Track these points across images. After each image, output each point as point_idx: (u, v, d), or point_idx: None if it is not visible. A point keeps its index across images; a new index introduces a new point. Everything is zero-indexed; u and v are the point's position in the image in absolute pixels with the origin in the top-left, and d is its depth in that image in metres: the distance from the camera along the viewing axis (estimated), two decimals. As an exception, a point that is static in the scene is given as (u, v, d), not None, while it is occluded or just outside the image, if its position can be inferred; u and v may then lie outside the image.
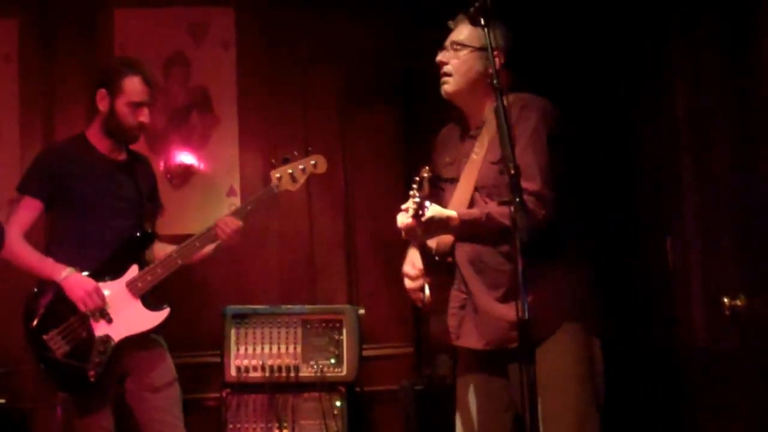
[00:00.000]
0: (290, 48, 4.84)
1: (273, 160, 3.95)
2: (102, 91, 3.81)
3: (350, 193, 4.80)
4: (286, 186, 3.91)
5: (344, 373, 4.17)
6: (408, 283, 3.14)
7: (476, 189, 3.03)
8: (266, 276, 4.72)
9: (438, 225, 2.88)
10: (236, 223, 3.81)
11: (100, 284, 3.68)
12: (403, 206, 2.86)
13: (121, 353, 3.68)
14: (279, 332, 4.20)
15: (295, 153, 3.94)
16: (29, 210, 3.75)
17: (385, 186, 4.75)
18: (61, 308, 3.63)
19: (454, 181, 3.07)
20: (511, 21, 3.09)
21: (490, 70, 2.96)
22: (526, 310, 2.40)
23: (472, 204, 3.03)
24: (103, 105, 3.81)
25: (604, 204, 3.88)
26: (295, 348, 4.18)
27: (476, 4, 2.66)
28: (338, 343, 4.20)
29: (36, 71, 4.69)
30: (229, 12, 4.85)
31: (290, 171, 3.90)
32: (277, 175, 3.90)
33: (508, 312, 2.86)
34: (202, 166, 4.77)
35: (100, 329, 3.65)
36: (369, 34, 4.76)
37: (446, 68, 3.11)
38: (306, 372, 4.16)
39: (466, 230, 2.94)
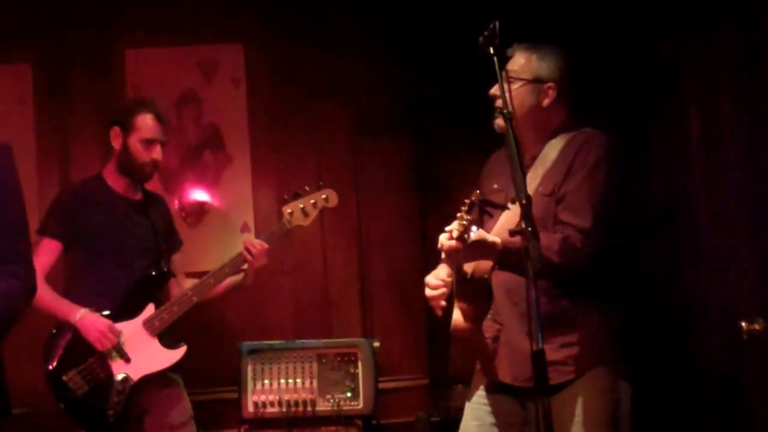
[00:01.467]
0: (300, 83, 4.88)
1: (285, 196, 4.03)
2: (115, 129, 3.92)
3: (363, 226, 4.84)
4: (298, 221, 3.99)
5: (360, 406, 4.20)
6: (428, 292, 3.06)
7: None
8: (281, 311, 4.77)
9: (481, 250, 2.81)
10: (262, 244, 3.88)
11: (117, 324, 3.77)
12: (448, 228, 2.78)
13: (140, 392, 3.76)
14: (295, 367, 4.24)
15: (307, 188, 4.02)
16: (49, 251, 3.85)
17: (398, 218, 4.81)
18: (80, 349, 3.72)
19: (504, 208, 2.99)
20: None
21: (545, 103, 3.04)
22: (540, 341, 2.40)
23: None
24: (116, 143, 3.92)
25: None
26: (311, 382, 4.22)
27: (485, 33, 2.66)
28: (354, 377, 4.23)
29: (51, 114, 4.78)
30: (238, 49, 4.91)
31: (301, 206, 3.98)
32: (289, 211, 3.98)
33: (536, 346, 2.87)
34: (215, 204, 4.83)
35: (119, 369, 3.74)
36: (378, 65, 4.79)
37: (498, 102, 2.95)
38: (323, 406, 4.20)
39: (507, 259, 2.83)
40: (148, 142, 3.91)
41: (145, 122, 3.91)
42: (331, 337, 4.54)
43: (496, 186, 3.15)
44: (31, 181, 4.58)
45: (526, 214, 2.50)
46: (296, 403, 4.18)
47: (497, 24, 2.64)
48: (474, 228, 2.73)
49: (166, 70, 4.87)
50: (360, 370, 4.23)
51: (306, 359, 4.25)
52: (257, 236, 4.26)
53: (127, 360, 3.75)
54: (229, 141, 4.87)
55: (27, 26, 4.75)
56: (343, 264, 4.83)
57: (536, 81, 3.03)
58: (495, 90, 3.04)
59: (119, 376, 3.71)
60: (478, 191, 2.87)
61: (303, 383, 4.23)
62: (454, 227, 2.73)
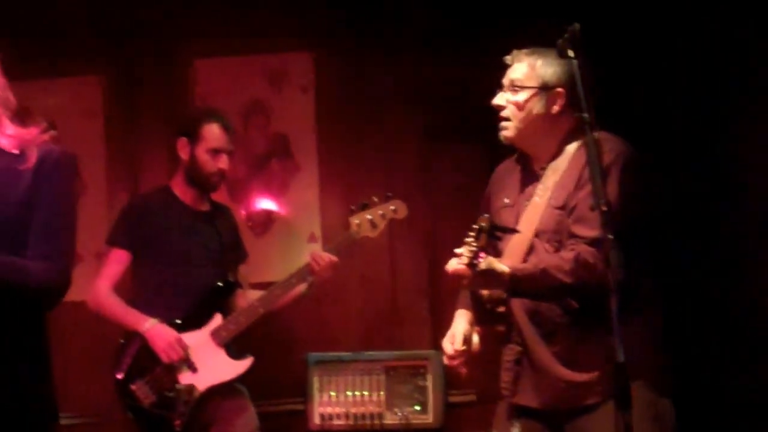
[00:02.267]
0: (369, 91, 4.86)
1: (352, 207, 4.00)
2: (183, 140, 3.95)
3: (433, 236, 4.77)
4: (366, 232, 3.95)
5: (430, 420, 4.16)
6: (445, 360, 3.02)
7: (536, 234, 2.87)
8: (348, 322, 4.75)
9: (490, 279, 2.72)
10: (330, 257, 3.87)
11: (185, 334, 3.79)
12: (457, 250, 2.71)
13: (206, 402, 3.77)
14: (362, 379, 4.21)
15: (375, 198, 3.98)
16: (118, 262, 3.90)
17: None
18: (148, 358, 3.75)
19: (514, 231, 2.87)
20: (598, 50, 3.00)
21: (554, 109, 2.93)
22: (621, 351, 2.32)
23: (530, 250, 2.87)
24: (184, 153, 3.95)
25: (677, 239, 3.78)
26: (379, 395, 4.19)
27: (565, 36, 2.55)
28: (423, 390, 4.19)
29: (120, 125, 4.83)
30: (307, 57, 4.90)
31: (369, 217, 3.94)
32: (357, 222, 3.95)
33: (567, 372, 2.80)
34: (282, 213, 4.83)
35: (186, 379, 3.75)
36: (447, 71, 4.76)
37: (504, 113, 2.94)
38: (391, 419, 4.16)
39: (518, 287, 2.76)
40: (215, 152, 3.93)
41: (212, 132, 3.93)
42: (400, 349, 4.48)
43: (506, 200, 3.03)
44: (100, 192, 4.71)
45: (605, 222, 2.41)
46: (363, 416, 4.16)
47: (577, 26, 2.55)
48: (482, 256, 2.64)
49: (234, 80, 4.89)
50: (429, 383, 4.19)
51: (374, 371, 4.22)
52: (324, 246, 4.28)
53: (194, 370, 3.77)
54: (296, 150, 4.87)
55: (97, 39, 4.81)
56: (412, 274, 4.79)
57: (544, 88, 2.90)
58: (498, 100, 2.97)
59: (186, 386, 3.71)
60: (486, 216, 2.73)
61: (370, 396, 4.20)
62: (463, 252, 2.66)
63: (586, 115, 2.51)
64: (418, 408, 4.17)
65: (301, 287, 3.98)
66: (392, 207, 3.97)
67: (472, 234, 2.64)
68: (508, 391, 2.96)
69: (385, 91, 4.86)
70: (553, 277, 2.72)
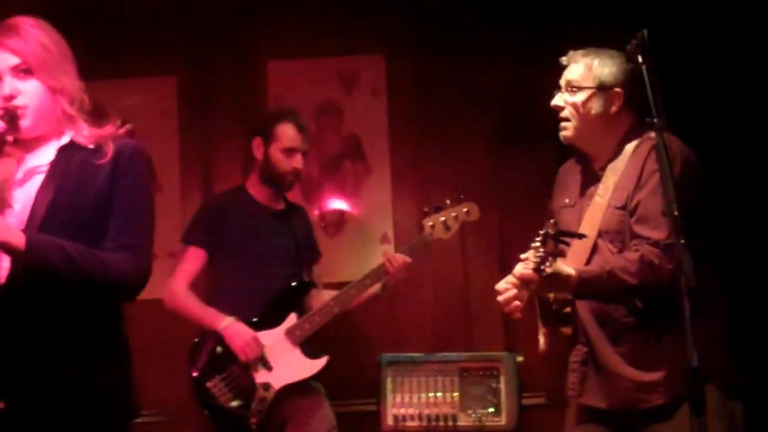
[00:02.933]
0: (441, 93, 4.87)
1: (426, 209, 4.00)
2: (257, 140, 3.97)
3: (505, 238, 4.74)
4: (439, 234, 3.95)
5: (503, 422, 4.12)
6: (498, 298, 2.92)
7: (600, 235, 2.86)
8: (421, 323, 4.73)
9: (556, 282, 2.70)
10: (405, 258, 3.86)
11: (260, 332, 3.79)
12: (523, 255, 2.71)
13: (282, 401, 3.78)
14: (435, 380, 4.19)
15: (447, 201, 3.98)
16: (194, 260, 3.92)
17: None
18: (224, 356, 3.76)
19: (580, 236, 2.81)
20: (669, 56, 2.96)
21: (612, 110, 2.91)
22: (695, 357, 2.27)
23: (594, 251, 2.86)
24: (258, 153, 3.97)
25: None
26: (452, 396, 4.17)
27: (634, 41, 2.53)
28: (496, 392, 4.16)
29: (194, 125, 4.88)
30: (379, 60, 4.92)
31: (443, 219, 3.95)
32: (430, 224, 3.95)
33: (634, 372, 2.77)
34: (355, 214, 4.84)
35: (261, 377, 3.76)
36: (518, 74, 4.72)
37: (563, 114, 2.95)
38: (464, 421, 4.13)
39: (585, 290, 2.74)
40: (289, 151, 3.94)
41: (286, 132, 3.95)
42: (473, 351, 4.46)
43: (567, 201, 3.04)
44: (174, 192, 4.75)
45: (676, 227, 2.38)
46: (437, 418, 4.14)
47: (646, 32, 2.53)
48: (549, 260, 2.62)
49: (307, 82, 4.91)
50: (502, 385, 4.16)
51: (447, 372, 4.19)
52: (397, 248, 4.29)
53: (270, 368, 3.77)
54: (369, 151, 4.88)
55: (172, 39, 4.87)
56: (485, 276, 4.71)
57: (601, 88, 2.89)
58: (556, 101, 2.96)
59: (262, 384, 3.73)
60: (552, 221, 2.72)
61: (444, 397, 4.17)
62: (530, 257, 2.65)
63: (655, 120, 2.49)
64: (491, 410, 4.13)
65: (375, 288, 3.97)
66: (465, 209, 3.97)
67: (538, 239, 2.63)
68: (574, 391, 2.95)
69: (456, 93, 4.85)
70: (619, 278, 2.70)
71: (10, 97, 2.34)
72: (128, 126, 2.51)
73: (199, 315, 3.83)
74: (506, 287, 2.90)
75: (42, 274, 2.24)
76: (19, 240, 2.19)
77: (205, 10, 4.86)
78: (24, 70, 2.36)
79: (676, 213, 2.38)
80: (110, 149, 2.42)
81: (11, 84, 2.35)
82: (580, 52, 2.96)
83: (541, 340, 2.96)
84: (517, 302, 2.87)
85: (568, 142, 2.99)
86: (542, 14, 4.69)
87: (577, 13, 4.55)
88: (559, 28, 4.54)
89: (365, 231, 4.80)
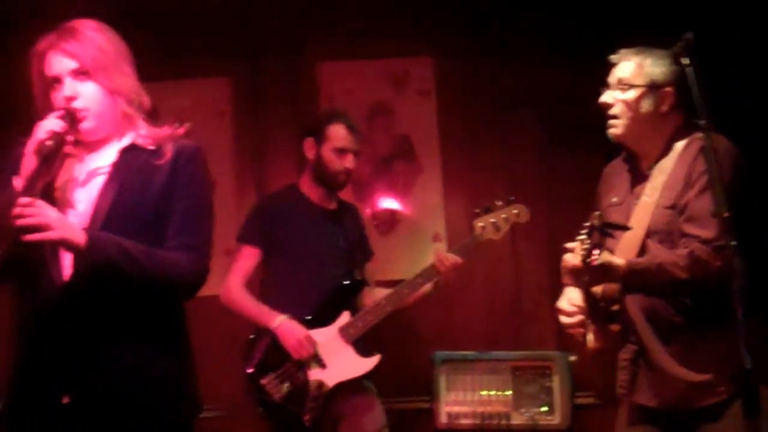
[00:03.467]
0: (490, 94, 4.85)
1: (476, 210, 3.98)
2: (309, 140, 3.98)
3: (556, 237, 4.68)
4: (490, 235, 3.93)
5: (557, 421, 4.08)
6: (563, 320, 2.96)
7: (648, 234, 2.83)
8: (473, 321, 4.72)
9: (605, 274, 2.68)
10: (455, 258, 3.84)
11: (313, 330, 3.80)
12: (569, 245, 2.70)
13: (335, 398, 3.78)
14: (489, 378, 4.16)
15: (497, 202, 3.96)
16: (248, 258, 3.94)
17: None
18: (278, 353, 3.77)
19: (625, 228, 2.82)
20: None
21: (663, 109, 2.88)
22: (749, 359, 2.26)
23: (642, 251, 2.82)
24: (310, 153, 3.98)
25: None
26: (505, 395, 4.13)
27: (680, 44, 2.52)
28: (549, 391, 4.12)
29: (248, 125, 4.91)
30: (427, 61, 4.93)
31: (493, 220, 3.93)
32: (481, 225, 3.93)
33: (684, 371, 2.73)
34: (407, 213, 4.84)
35: (315, 374, 3.76)
36: (568, 74, 4.68)
37: (612, 111, 2.92)
38: (517, 420, 4.10)
39: (633, 281, 2.72)
40: (341, 152, 3.95)
41: (337, 132, 3.96)
42: (525, 349, 4.41)
43: (615, 200, 3.01)
44: (228, 191, 4.76)
45: (727, 228, 2.36)
46: (490, 416, 4.10)
47: (692, 35, 2.51)
48: (597, 251, 2.59)
49: (358, 83, 4.93)
50: (556, 384, 4.11)
51: (500, 371, 4.16)
52: (449, 246, 4.30)
53: (323, 366, 3.77)
54: (420, 151, 4.89)
55: (226, 41, 4.91)
56: (537, 275, 4.72)
57: (652, 86, 2.86)
58: (605, 98, 2.93)
59: (315, 382, 3.74)
60: (598, 213, 2.69)
61: (497, 395, 4.14)
62: (576, 247, 2.63)
63: (703, 121, 2.48)
64: (545, 409, 4.09)
65: (427, 286, 3.96)
66: (515, 210, 3.95)
67: (583, 231, 2.62)
68: (625, 389, 2.91)
69: (505, 93, 4.84)
70: (669, 272, 2.68)
71: (70, 99, 2.37)
72: (186, 126, 2.54)
73: (253, 313, 3.84)
74: (571, 310, 2.92)
75: (103, 272, 2.27)
76: (80, 238, 2.23)
77: (258, 12, 4.89)
78: (82, 73, 2.39)
79: (726, 214, 2.36)
80: (169, 150, 2.45)
81: (71, 86, 2.38)
82: (631, 50, 2.94)
83: (590, 337, 2.91)
84: (581, 329, 2.90)
85: (616, 140, 2.97)
86: (593, 15, 4.65)
87: (628, 14, 4.51)
88: (609, 30, 4.50)
89: (417, 230, 4.80)
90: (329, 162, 3.95)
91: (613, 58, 2.96)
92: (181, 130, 2.51)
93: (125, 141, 2.47)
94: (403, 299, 3.92)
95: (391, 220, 4.83)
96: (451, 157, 4.87)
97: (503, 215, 3.93)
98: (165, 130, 2.48)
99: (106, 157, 2.45)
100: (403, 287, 3.91)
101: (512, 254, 4.75)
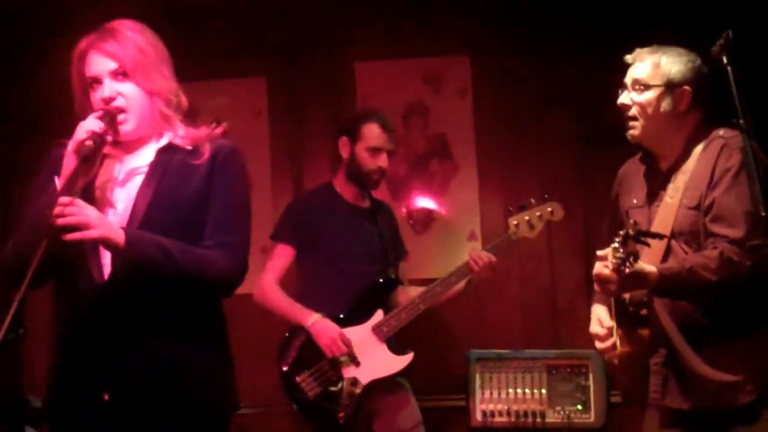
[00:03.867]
0: (526, 93, 4.83)
1: (510, 208, 3.96)
2: (343, 139, 3.98)
3: (591, 237, 4.66)
4: (524, 233, 3.91)
5: (592, 419, 4.06)
6: (598, 345, 2.95)
7: (673, 236, 2.80)
8: (508, 319, 4.69)
9: (637, 281, 2.64)
10: (489, 256, 3.84)
11: (347, 328, 3.80)
12: (600, 252, 2.64)
13: (369, 396, 3.78)
14: (524, 377, 4.16)
15: (532, 200, 3.94)
16: (282, 257, 3.95)
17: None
18: (312, 351, 3.78)
19: (661, 237, 2.76)
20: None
21: (681, 108, 2.83)
22: None
23: (668, 253, 2.79)
24: (344, 152, 3.98)
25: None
26: (540, 393, 4.12)
27: (719, 42, 2.47)
28: (585, 389, 4.10)
29: (284, 125, 4.92)
30: (464, 60, 4.90)
31: (527, 218, 3.90)
32: (515, 223, 3.91)
33: (715, 372, 2.70)
34: (442, 212, 4.82)
35: (349, 372, 3.77)
36: (604, 73, 4.60)
37: (630, 112, 2.88)
38: (552, 418, 4.09)
39: (665, 287, 2.68)
40: (375, 151, 3.95)
41: (371, 131, 3.95)
42: (560, 348, 4.40)
43: (635, 201, 2.97)
44: (265, 190, 4.79)
45: (760, 228, 2.38)
46: (525, 414, 4.10)
47: (730, 33, 2.47)
48: (629, 261, 2.55)
49: (394, 82, 4.92)
50: (591, 383, 4.10)
51: (535, 369, 4.15)
52: (484, 245, 4.25)
53: (357, 364, 3.78)
54: (455, 150, 4.87)
55: (262, 41, 4.93)
56: (572, 274, 4.68)
57: (669, 86, 2.81)
58: (622, 99, 2.89)
59: (349, 379, 3.75)
60: (632, 221, 2.67)
61: (532, 394, 4.13)
62: (608, 253, 2.58)
63: (741, 121, 2.45)
64: (580, 407, 4.07)
65: (461, 284, 3.94)
66: (549, 208, 3.92)
67: (618, 240, 2.57)
68: (657, 394, 2.86)
69: (541, 93, 4.82)
70: (699, 275, 2.64)
71: (110, 99, 2.38)
72: (223, 126, 2.55)
73: (287, 311, 3.86)
74: (604, 333, 2.90)
75: (142, 270, 2.28)
76: (119, 236, 2.24)
77: (294, 12, 4.91)
78: (121, 74, 2.40)
79: (763, 214, 2.35)
80: (207, 150, 2.46)
81: (110, 87, 2.39)
82: (646, 49, 2.89)
83: (617, 342, 2.89)
84: (617, 345, 2.87)
85: (635, 141, 2.93)
86: (630, 14, 4.60)
87: (665, 13, 4.48)
88: (646, 29, 4.46)
89: (453, 229, 4.78)
90: (363, 161, 3.95)
91: (627, 58, 2.93)
92: (218, 130, 2.52)
93: (163, 141, 2.48)
94: (437, 297, 3.90)
95: (426, 219, 4.81)
96: (486, 156, 4.84)
97: (538, 213, 3.91)
98: (202, 131, 2.49)
99: (145, 156, 2.47)
100: (437, 285, 3.89)
101: (547, 253, 4.71)
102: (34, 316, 3.02)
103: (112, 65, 2.40)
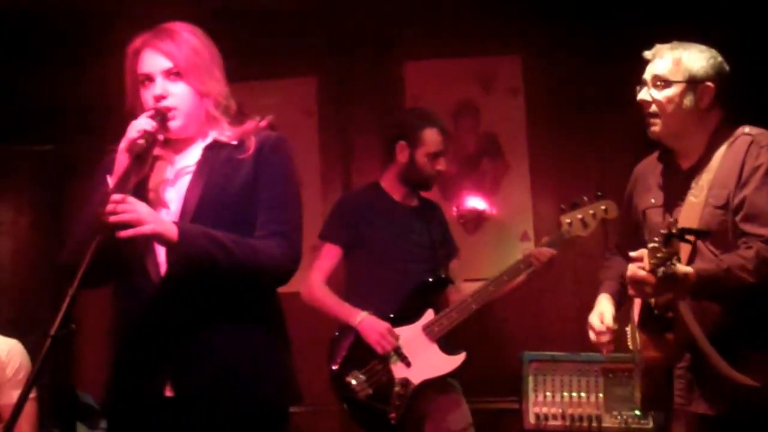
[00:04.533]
0: (578, 92, 4.79)
1: (563, 206, 3.87)
2: (401, 143, 3.90)
3: (644, 237, 4.60)
4: (577, 232, 3.82)
5: (650, 425, 3.89)
6: (591, 336, 2.93)
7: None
8: (562, 321, 4.61)
9: (674, 284, 2.48)
10: (549, 251, 3.80)
11: (397, 328, 3.73)
12: (634, 254, 2.52)
13: (420, 396, 3.70)
14: (579, 380, 4.02)
15: (585, 198, 3.85)
16: (330, 256, 3.89)
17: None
18: (363, 351, 3.71)
19: (704, 234, 2.65)
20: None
21: (703, 104, 2.72)
22: None
23: (694, 254, 2.68)
24: (402, 156, 3.91)
25: None
26: (596, 397, 3.99)
27: None
28: (642, 394, 3.99)
29: (334, 124, 4.93)
30: (516, 60, 4.87)
31: (580, 216, 3.81)
32: (568, 221, 3.82)
33: (743, 376, 2.57)
34: (494, 212, 4.78)
35: (400, 372, 3.69)
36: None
37: (651, 109, 2.78)
38: (609, 422, 3.95)
39: (702, 289, 2.54)
40: (434, 156, 3.88)
41: (432, 137, 3.88)
42: (615, 351, 4.29)
43: (653, 201, 2.88)
44: (315, 188, 4.80)
45: None
46: (581, 418, 3.97)
47: None
48: (671, 261, 2.41)
49: (444, 81, 4.89)
50: (648, 387, 3.98)
51: (591, 373, 4.01)
52: (537, 245, 4.18)
53: (408, 364, 3.70)
54: (507, 149, 4.83)
55: (313, 41, 4.93)
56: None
57: (691, 82, 2.70)
58: (642, 96, 2.79)
59: (400, 380, 3.67)
60: (674, 219, 2.51)
61: (588, 397, 4.00)
62: (645, 257, 2.45)
63: None
64: (637, 413, 3.90)
65: (514, 283, 3.86)
66: (603, 206, 3.81)
67: (657, 239, 2.43)
68: (682, 399, 2.74)
69: (594, 93, 4.76)
70: (737, 276, 2.53)
71: (161, 98, 2.38)
72: (268, 118, 2.52)
73: (335, 310, 3.80)
74: (600, 329, 2.90)
75: (197, 264, 2.26)
76: (171, 231, 2.23)
77: (344, 12, 4.90)
78: (175, 73, 2.39)
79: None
80: (252, 143, 2.44)
81: (162, 85, 2.39)
82: (666, 45, 2.79)
83: (642, 345, 2.81)
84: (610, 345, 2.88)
85: (657, 139, 2.84)
86: (682, 14, 4.50)
87: (721, 12, 4.39)
88: (699, 30, 4.40)
89: (505, 229, 4.73)
90: (423, 166, 3.88)
91: (647, 54, 2.82)
92: (263, 123, 2.50)
93: (209, 139, 2.47)
94: (490, 297, 3.81)
95: (477, 218, 4.77)
96: (538, 156, 4.80)
97: (591, 211, 3.81)
98: (247, 125, 2.47)
99: (192, 156, 2.46)
100: (490, 285, 3.80)
101: (601, 254, 4.64)
102: (84, 314, 3.04)
103: (167, 64, 2.40)
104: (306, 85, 4.93)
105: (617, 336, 4.44)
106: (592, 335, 2.95)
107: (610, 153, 4.74)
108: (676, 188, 2.81)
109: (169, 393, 2.31)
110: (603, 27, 4.74)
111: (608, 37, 4.72)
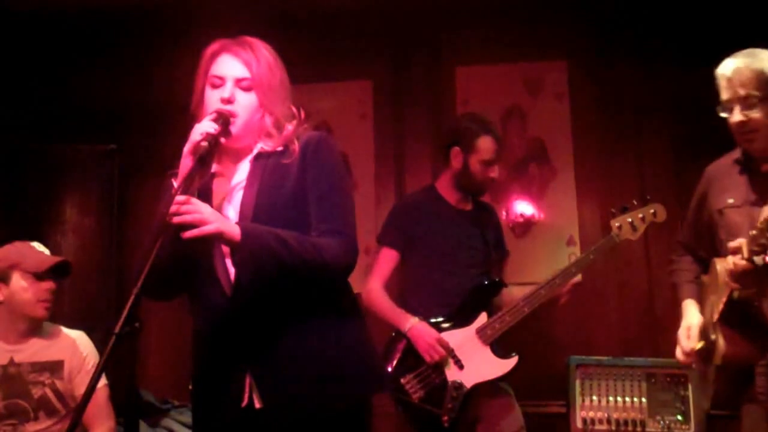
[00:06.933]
0: (623, 97, 4.66)
1: (612, 210, 3.74)
2: (456, 149, 3.78)
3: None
4: (627, 235, 3.68)
5: (692, 431, 3.80)
6: (678, 354, 2.85)
7: None
8: (607, 326, 4.49)
9: None
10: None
11: (451, 331, 3.61)
12: (733, 244, 2.42)
13: (473, 399, 3.57)
14: (623, 385, 3.91)
15: (634, 202, 3.72)
16: (387, 260, 3.78)
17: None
18: (416, 354, 3.59)
19: None
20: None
21: None
22: None
23: None
24: (456, 162, 3.78)
25: None
26: (640, 401, 3.88)
27: None
28: (684, 399, 3.85)
29: (388, 128, 4.82)
30: (562, 65, 4.75)
31: (630, 220, 3.67)
32: (617, 224, 3.68)
33: None
34: (541, 216, 4.65)
35: (453, 375, 3.57)
36: (701, 79, 4.38)
37: (749, 128, 2.67)
38: (652, 427, 3.83)
39: None
40: (488, 163, 3.76)
41: (486, 145, 3.75)
42: (659, 357, 4.12)
43: (731, 201, 2.77)
44: (369, 191, 4.72)
45: None
46: (626, 422, 3.85)
47: None
48: None
49: (493, 86, 4.77)
50: (691, 393, 3.83)
51: (634, 377, 3.91)
52: (582, 250, 4.10)
53: (461, 367, 3.57)
54: (553, 154, 4.70)
55: (369, 46, 4.85)
56: (669, 282, 4.44)
57: None
58: (736, 117, 2.66)
59: (453, 383, 3.54)
60: None
61: (632, 402, 3.88)
62: (743, 247, 2.34)
63: None
64: (680, 418, 3.81)
65: (566, 286, 3.74)
66: (652, 210, 3.68)
67: (758, 228, 2.32)
68: (764, 396, 2.62)
69: (640, 98, 4.64)
70: None
71: (228, 101, 2.32)
72: (311, 121, 2.46)
73: (389, 315, 3.68)
74: (687, 352, 2.79)
75: (262, 261, 2.18)
76: (234, 230, 2.17)
77: (401, 16, 4.81)
78: (247, 84, 2.35)
79: None
80: (296, 147, 2.37)
81: (232, 90, 2.34)
82: (738, 61, 2.66)
83: (722, 342, 2.65)
84: (720, 345, 2.67)
85: (758, 154, 2.72)
86: (727, 20, 4.37)
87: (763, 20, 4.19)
88: (744, 35, 4.24)
89: (552, 233, 4.61)
90: (477, 173, 3.75)
91: (726, 71, 2.68)
92: (304, 125, 2.42)
93: (255, 151, 2.40)
94: (541, 300, 3.68)
95: (525, 222, 4.65)
96: (584, 161, 4.67)
97: (640, 215, 3.68)
98: (289, 131, 2.40)
99: (243, 170, 2.40)
100: (541, 288, 3.66)
101: (645, 258, 4.51)
102: (149, 314, 2.97)
103: (243, 72, 2.35)
104: (362, 89, 4.84)
105: (656, 339, 4.36)
106: (679, 353, 2.84)
107: (653, 157, 4.61)
108: (758, 189, 2.71)
109: (257, 405, 2.25)
110: (647, 34, 4.62)
111: (652, 44, 4.61)
